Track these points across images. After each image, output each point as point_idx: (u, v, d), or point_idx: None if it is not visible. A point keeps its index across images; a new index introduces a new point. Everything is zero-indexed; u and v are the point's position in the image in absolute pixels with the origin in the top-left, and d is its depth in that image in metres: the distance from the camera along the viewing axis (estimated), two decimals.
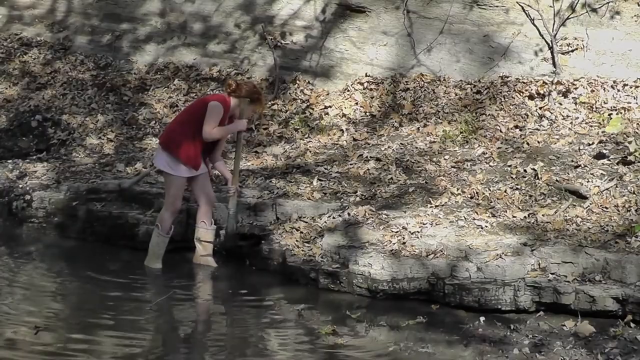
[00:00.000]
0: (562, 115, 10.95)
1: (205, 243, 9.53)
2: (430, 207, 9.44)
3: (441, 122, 11.29)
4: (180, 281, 9.21)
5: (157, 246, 9.46)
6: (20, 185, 11.09)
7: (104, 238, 10.35)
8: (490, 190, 9.59)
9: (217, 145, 9.50)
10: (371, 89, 12.17)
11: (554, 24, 11.61)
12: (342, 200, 9.87)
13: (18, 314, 8.01)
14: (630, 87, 11.10)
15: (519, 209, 9.20)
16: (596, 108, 10.94)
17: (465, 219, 9.13)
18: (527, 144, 10.43)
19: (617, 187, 9.25)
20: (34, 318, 7.87)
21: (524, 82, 11.50)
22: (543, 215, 8.99)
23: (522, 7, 11.84)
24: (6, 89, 13.50)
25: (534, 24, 11.77)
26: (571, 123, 10.81)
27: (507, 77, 11.64)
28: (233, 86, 9.43)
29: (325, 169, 10.63)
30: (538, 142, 10.46)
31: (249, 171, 10.88)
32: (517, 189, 9.53)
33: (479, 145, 10.64)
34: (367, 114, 11.84)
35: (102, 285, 8.97)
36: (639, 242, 8.35)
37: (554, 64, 11.54)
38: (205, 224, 9.52)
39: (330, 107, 12.12)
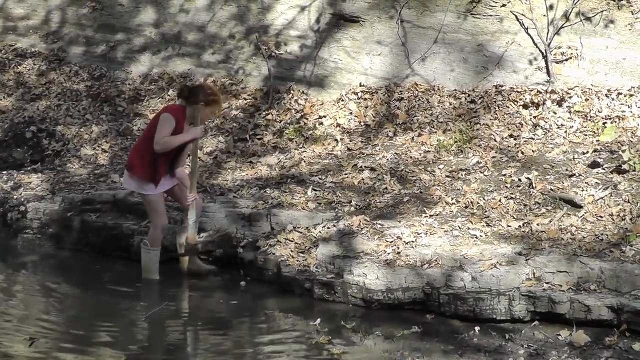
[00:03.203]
0: (557, 125, 10.96)
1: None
2: (425, 216, 9.45)
3: (436, 132, 11.29)
4: (175, 292, 9.22)
5: (151, 262, 9.42)
6: (15, 197, 11.08)
7: (98, 249, 10.34)
8: (485, 199, 9.59)
9: (181, 155, 9.42)
10: (366, 99, 12.16)
11: (548, 33, 11.62)
12: (336, 210, 9.87)
13: (13, 326, 8.00)
14: (625, 96, 11.10)
15: (514, 218, 9.21)
16: (591, 117, 10.94)
17: (460, 228, 9.13)
18: (522, 153, 10.44)
19: (611, 196, 9.26)
20: (29, 330, 7.87)
21: (518, 92, 11.50)
22: (538, 224, 8.99)
23: (517, 17, 11.84)
24: (1, 100, 13.49)
25: (528, 33, 11.77)
26: (566, 132, 10.81)
27: (502, 87, 11.63)
28: (185, 93, 9.33)
29: (320, 179, 10.63)
30: (533, 151, 10.46)
31: (243, 181, 10.88)
32: (511, 198, 9.53)
33: (474, 155, 10.64)
34: (362, 123, 11.84)
35: (97, 297, 8.98)
36: (634, 251, 8.36)
37: (548, 73, 11.54)
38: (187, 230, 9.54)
39: (324, 117, 12.11)
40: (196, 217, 9.42)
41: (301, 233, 9.53)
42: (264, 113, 12.41)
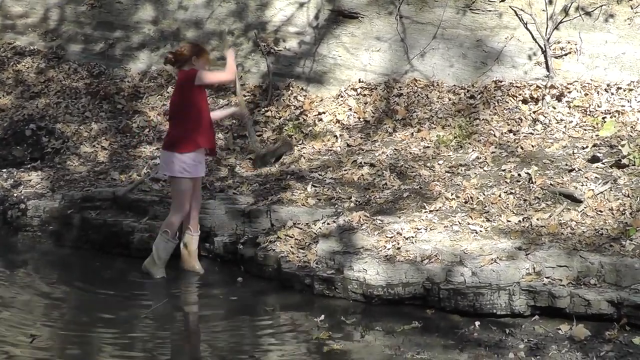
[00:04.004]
0: (556, 119, 10.96)
1: (190, 249, 9.54)
2: (425, 212, 9.45)
3: (435, 127, 11.29)
4: (176, 288, 9.22)
5: (164, 251, 9.38)
6: (15, 194, 11.08)
7: (98, 246, 10.35)
8: (484, 194, 9.60)
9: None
10: (365, 95, 12.17)
11: (547, 28, 11.62)
12: (336, 206, 9.87)
13: (13, 323, 8.00)
14: (624, 91, 11.10)
15: (514, 213, 9.21)
16: (590, 111, 10.94)
17: (459, 223, 9.13)
18: (521, 148, 10.44)
19: (611, 190, 9.26)
20: (30, 327, 7.87)
21: (517, 87, 11.50)
22: (537, 219, 8.99)
23: (515, 11, 11.84)
24: (0, 98, 13.49)
25: (527, 28, 11.78)
26: (565, 127, 10.82)
27: (501, 82, 11.64)
28: (173, 59, 9.37)
29: (320, 175, 10.63)
30: (532, 146, 10.46)
31: (243, 178, 10.88)
32: (511, 193, 9.53)
33: (473, 150, 10.64)
34: (361, 119, 11.84)
35: (97, 294, 8.98)
36: (633, 245, 8.35)
37: (547, 67, 11.54)
38: (190, 231, 9.53)
39: (323, 113, 12.11)
40: (253, 131, 9.92)
41: (301, 229, 9.53)
42: (263, 109, 12.42)
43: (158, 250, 9.42)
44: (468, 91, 11.72)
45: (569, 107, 11.10)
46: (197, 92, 9.30)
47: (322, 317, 8.08)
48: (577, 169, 9.75)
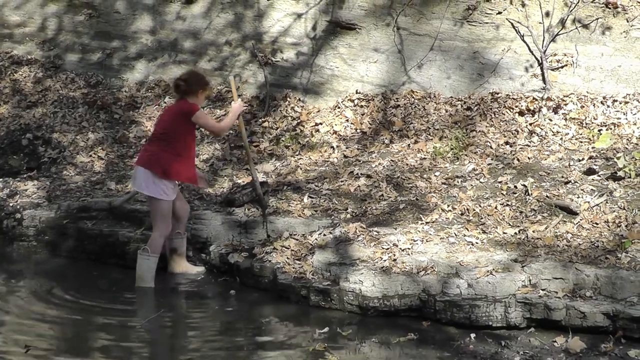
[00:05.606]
0: (552, 131, 10.97)
1: (180, 252, 9.67)
2: (421, 223, 9.45)
3: (432, 139, 11.30)
4: (170, 299, 9.21)
5: (148, 269, 9.43)
6: (11, 204, 11.08)
7: (94, 256, 10.35)
8: (480, 206, 9.60)
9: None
10: (362, 106, 12.18)
11: (543, 40, 11.63)
12: (332, 217, 9.88)
13: (8, 333, 7.99)
14: (620, 103, 11.12)
15: (510, 225, 9.21)
16: (586, 124, 10.96)
17: (455, 235, 9.14)
18: (518, 160, 10.45)
19: (607, 202, 9.27)
20: (25, 337, 7.86)
21: (514, 99, 11.52)
22: (533, 231, 9.00)
23: (512, 24, 11.86)
24: None
25: (523, 40, 11.79)
26: (561, 139, 10.83)
27: (497, 94, 11.65)
28: (183, 87, 9.46)
29: (316, 186, 10.64)
30: (528, 158, 10.47)
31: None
32: (507, 205, 9.54)
33: (470, 162, 10.65)
34: (358, 130, 11.85)
35: (93, 304, 8.96)
36: (629, 258, 8.36)
37: (543, 80, 11.55)
38: (180, 234, 9.58)
39: (320, 124, 12.12)
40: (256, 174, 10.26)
41: (297, 240, 9.54)
42: (260, 120, 12.42)
43: (141, 268, 9.45)
44: (465, 103, 11.73)
45: (565, 119, 11.11)
46: (191, 126, 9.50)
47: (326, 329, 8.08)
48: (573, 181, 9.76)
